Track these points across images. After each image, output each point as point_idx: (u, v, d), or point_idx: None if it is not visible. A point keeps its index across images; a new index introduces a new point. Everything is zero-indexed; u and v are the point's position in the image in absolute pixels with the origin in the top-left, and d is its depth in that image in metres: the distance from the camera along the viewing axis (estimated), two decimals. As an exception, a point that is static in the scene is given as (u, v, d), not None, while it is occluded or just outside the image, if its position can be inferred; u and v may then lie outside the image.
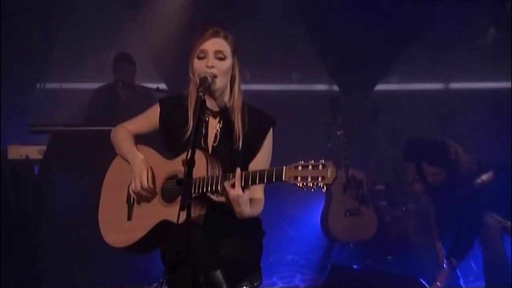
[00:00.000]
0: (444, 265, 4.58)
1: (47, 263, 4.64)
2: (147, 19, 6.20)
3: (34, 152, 5.05)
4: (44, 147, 5.04)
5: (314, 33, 6.33)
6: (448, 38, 6.35)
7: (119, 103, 5.63)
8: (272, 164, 2.84)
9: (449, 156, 4.49)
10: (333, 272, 4.52)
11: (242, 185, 2.59)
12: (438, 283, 4.54)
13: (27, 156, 5.02)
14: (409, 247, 5.24)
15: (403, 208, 5.52)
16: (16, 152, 5.04)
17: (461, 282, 4.82)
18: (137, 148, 2.89)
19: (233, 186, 2.59)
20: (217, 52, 2.77)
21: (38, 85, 6.56)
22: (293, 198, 5.44)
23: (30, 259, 4.66)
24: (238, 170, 2.60)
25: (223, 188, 2.59)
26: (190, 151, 2.52)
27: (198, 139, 2.77)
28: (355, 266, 4.83)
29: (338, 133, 5.40)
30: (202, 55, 2.78)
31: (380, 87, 6.41)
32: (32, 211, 4.83)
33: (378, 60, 6.27)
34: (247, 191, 2.61)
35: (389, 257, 5.26)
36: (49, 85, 6.62)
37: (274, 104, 5.56)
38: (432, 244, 4.82)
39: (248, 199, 2.64)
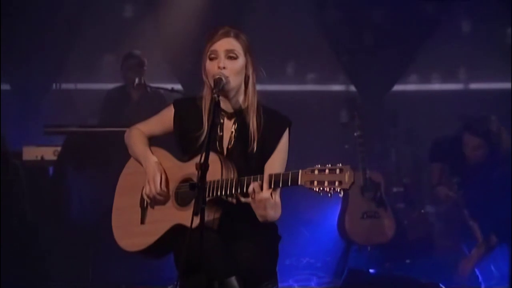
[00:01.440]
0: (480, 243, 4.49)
1: (61, 264, 4.62)
2: (162, 19, 6.17)
3: (49, 153, 5.05)
4: (59, 148, 5.03)
5: (330, 32, 6.26)
6: (468, 38, 6.25)
7: (131, 104, 5.60)
8: (288, 165, 2.78)
9: (492, 129, 4.43)
10: (349, 277, 4.46)
11: (272, 187, 2.52)
12: (474, 256, 4.43)
13: (42, 157, 5.03)
14: (428, 251, 5.17)
15: (422, 211, 5.45)
16: (31, 153, 5.05)
17: (482, 286, 4.74)
18: (150, 150, 2.84)
19: (260, 188, 2.53)
20: (228, 51, 2.71)
21: (54, 86, 6.57)
22: (309, 200, 5.37)
23: (44, 260, 4.65)
24: (267, 173, 2.55)
25: (252, 190, 2.53)
26: (203, 154, 2.47)
27: (212, 142, 2.72)
28: (372, 271, 4.78)
29: (355, 134, 5.33)
30: (213, 55, 2.73)
31: (398, 87, 6.31)
32: (47, 212, 4.82)
33: (396, 60, 6.18)
34: (274, 195, 2.56)
35: (407, 261, 5.18)
36: (64, 86, 6.61)
37: (290, 105, 5.53)
38: (455, 246, 4.74)
39: (275, 203, 2.58)
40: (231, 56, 2.71)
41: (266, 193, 2.53)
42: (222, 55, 2.70)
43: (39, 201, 4.86)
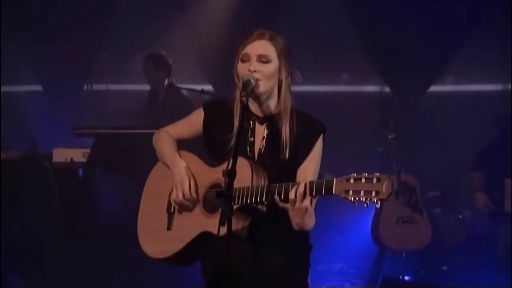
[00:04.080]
0: None
1: (86, 267, 4.59)
2: (193, 20, 6.13)
3: (78, 155, 5.03)
4: (88, 150, 5.01)
5: (363, 31, 6.14)
6: (508, 37, 6.05)
7: (158, 105, 5.53)
8: (320, 168, 2.67)
9: None
10: (384, 284, 4.35)
11: (312, 195, 2.42)
12: None
13: (71, 159, 5.01)
14: (465, 257, 5.03)
15: (460, 216, 5.32)
16: (61, 155, 5.04)
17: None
18: (179, 154, 2.76)
19: (303, 196, 2.43)
20: (260, 56, 2.61)
21: (85, 87, 6.57)
22: (342, 204, 5.24)
23: (72, 262, 4.62)
24: (306, 181, 2.45)
25: (294, 196, 2.43)
26: (231, 161, 2.37)
27: (243, 147, 2.63)
28: (407, 278, 4.66)
29: (389, 136, 5.24)
30: (245, 58, 2.64)
31: (434, 88, 6.17)
32: (75, 214, 4.81)
33: (432, 60, 6.03)
34: (314, 203, 2.46)
35: (444, 268, 5.07)
36: (96, 87, 6.61)
37: (322, 106, 5.43)
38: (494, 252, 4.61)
39: (311, 212, 2.48)
40: (263, 60, 2.61)
41: (306, 201, 2.43)
42: (254, 58, 2.61)
43: (68, 203, 4.83)
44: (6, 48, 5.97)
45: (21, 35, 6.15)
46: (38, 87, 6.44)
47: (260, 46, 2.62)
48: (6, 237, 4.71)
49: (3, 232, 4.68)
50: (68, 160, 5.01)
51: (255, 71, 2.59)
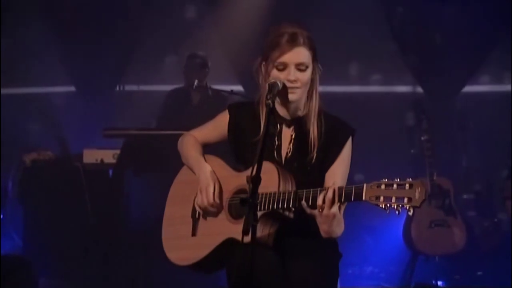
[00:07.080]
0: None
1: (116, 267, 4.60)
2: (224, 20, 6.10)
3: (108, 156, 5.04)
4: (118, 151, 5.01)
5: (396, 30, 6.05)
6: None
7: (192, 106, 5.53)
8: (351, 171, 2.61)
9: None
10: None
11: (341, 202, 2.36)
12: None
13: (101, 160, 5.02)
14: (501, 262, 4.91)
15: (495, 219, 5.20)
16: (91, 155, 5.06)
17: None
18: (204, 159, 2.71)
19: (331, 202, 2.36)
20: (298, 64, 2.53)
21: (117, 87, 6.60)
22: (373, 206, 5.17)
23: (99, 262, 4.65)
24: (335, 186, 2.38)
25: (322, 202, 2.37)
26: (255, 166, 2.30)
27: (270, 151, 2.57)
28: (440, 283, 4.57)
29: (422, 138, 5.14)
30: (281, 67, 2.55)
31: (468, 88, 6.06)
32: (105, 215, 4.82)
33: (466, 59, 5.93)
34: (341, 210, 2.40)
35: (479, 273, 4.98)
36: (128, 87, 6.64)
37: (353, 107, 5.34)
38: None
39: (340, 219, 2.41)
40: (301, 68, 2.54)
41: (334, 207, 2.37)
42: (292, 67, 2.53)
43: (98, 203, 4.85)
44: (39, 48, 6.04)
45: (55, 36, 6.20)
46: (71, 88, 6.49)
47: (298, 56, 2.53)
48: (36, 237, 4.76)
49: (34, 232, 4.73)
50: (98, 161, 5.02)
51: (295, 80, 2.53)
